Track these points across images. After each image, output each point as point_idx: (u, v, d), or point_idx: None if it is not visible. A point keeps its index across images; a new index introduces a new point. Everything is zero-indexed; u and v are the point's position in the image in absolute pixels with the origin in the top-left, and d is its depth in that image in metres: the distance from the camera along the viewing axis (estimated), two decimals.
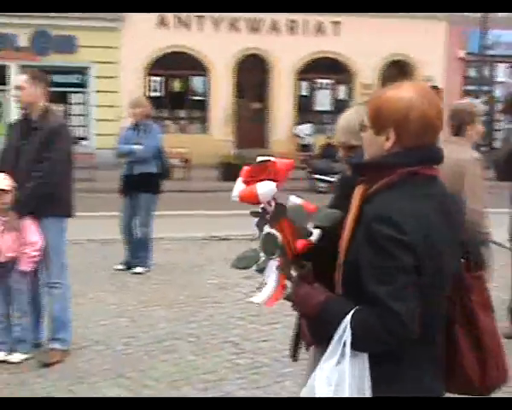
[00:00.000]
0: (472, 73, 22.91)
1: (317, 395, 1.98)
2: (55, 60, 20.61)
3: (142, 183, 7.85)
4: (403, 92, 2.02)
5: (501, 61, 23.26)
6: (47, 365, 5.02)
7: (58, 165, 5.01)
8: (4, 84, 19.33)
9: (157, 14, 20.83)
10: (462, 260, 2.14)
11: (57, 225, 5.15)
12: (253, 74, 22.51)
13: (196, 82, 22.51)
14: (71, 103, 21.51)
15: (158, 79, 22.05)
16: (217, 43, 21.41)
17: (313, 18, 21.92)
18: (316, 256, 2.15)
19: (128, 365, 5.09)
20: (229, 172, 16.34)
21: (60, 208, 5.13)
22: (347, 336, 1.93)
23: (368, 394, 1.95)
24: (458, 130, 4.73)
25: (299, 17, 21.82)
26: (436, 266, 1.96)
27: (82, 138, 21.10)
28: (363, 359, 1.96)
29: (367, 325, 1.92)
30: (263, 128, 22.81)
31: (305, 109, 22.91)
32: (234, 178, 2.26)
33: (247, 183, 2.16)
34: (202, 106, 22.50)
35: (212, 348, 5.50)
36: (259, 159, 2.18)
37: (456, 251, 2.08)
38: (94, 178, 17.32)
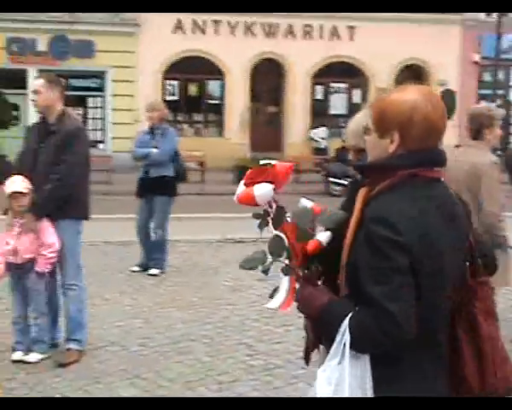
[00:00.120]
0: (487, 77, 22.81)
1: (317, 395, 1.99)
2: (74, 64, 20.84)
3: (159, 186, 7.90)
4: (407, 95, 2.03)
5: None
6: (63, 365, 5.06)
7: (75, 168, 5.06)
8: (25, 88, 19.52)
9: (174, 19, 20.97)
10: (468, 265, 2.13)
11: (73, 227, 5.21)
12: (268, 78, 22.57)
13: (212, 86, 22.62)
14: (89, 107, 21.73)
15: (174, 83, 22.20)
16: (233, 47, 21.50)
17: (328, 23, 21.95)
18: (325, 258, 2.15)
19: (143, 365, 5.13)
20: (244, 175, 16.34)
21: (76, 211, 5.19)
22: (347, 338, 1.95)
23: (369, 394, 1.96)
24: (477, 134, 4.69)
25: (314, 22, 21.86)
26: (436, 266, 1.96)
27: (99, 141, 21.31)
28: (365, 359, 1.97)
29: (363, 326, 1.92)
30: (278, 132, 22.85)
31: (320, 113, 22.94)
32: None
33: (246, 185, 2.17)
34: (218, 110, 22.61)
35: (226, 349, 5.53)
36: (261, 162, 2.20)
37: (458, 252, 2.06)
38: (110, 181, 17.46)
